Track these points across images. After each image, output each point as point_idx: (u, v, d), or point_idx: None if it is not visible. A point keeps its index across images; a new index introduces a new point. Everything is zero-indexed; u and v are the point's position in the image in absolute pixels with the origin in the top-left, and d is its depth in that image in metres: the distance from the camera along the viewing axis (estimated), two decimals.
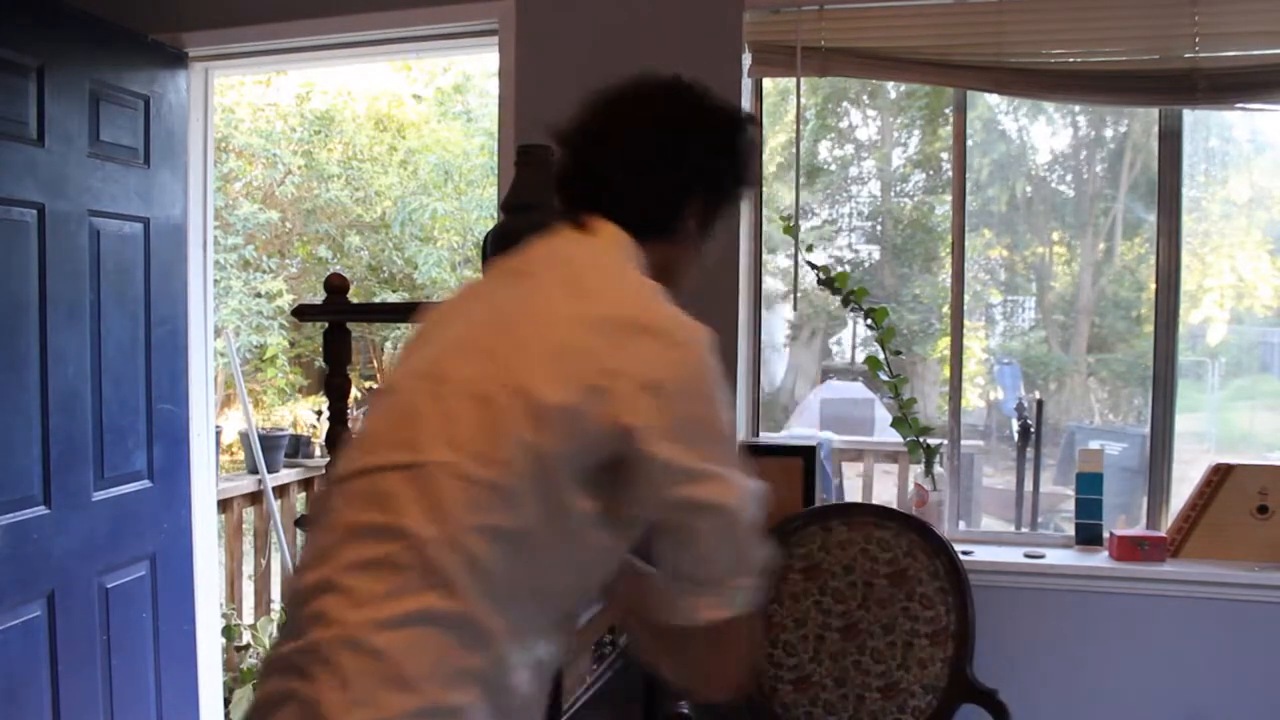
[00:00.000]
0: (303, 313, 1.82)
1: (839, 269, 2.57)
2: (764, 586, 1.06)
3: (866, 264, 7.12)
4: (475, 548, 0.94)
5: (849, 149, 7.43)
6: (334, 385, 1.77)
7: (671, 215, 1.18)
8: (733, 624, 1.04)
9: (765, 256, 2.70)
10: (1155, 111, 2.46)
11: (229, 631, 3.38)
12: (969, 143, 2.56)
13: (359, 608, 0.93)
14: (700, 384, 1.01)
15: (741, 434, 2.54)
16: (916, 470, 2.55)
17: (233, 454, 5.72)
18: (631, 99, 1.19)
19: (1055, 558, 2.39)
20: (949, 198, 2.59)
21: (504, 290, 1.13)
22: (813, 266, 2.55)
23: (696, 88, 1.20)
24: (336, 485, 1.04)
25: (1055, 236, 6.67)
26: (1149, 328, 2.48)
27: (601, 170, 1.18)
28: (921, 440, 2.51)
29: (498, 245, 2.10)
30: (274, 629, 3.58)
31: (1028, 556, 2.40)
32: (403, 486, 0.97)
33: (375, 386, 8.08)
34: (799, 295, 2.59)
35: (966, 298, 2.59)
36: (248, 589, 3.80)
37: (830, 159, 7.35)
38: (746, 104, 2.51)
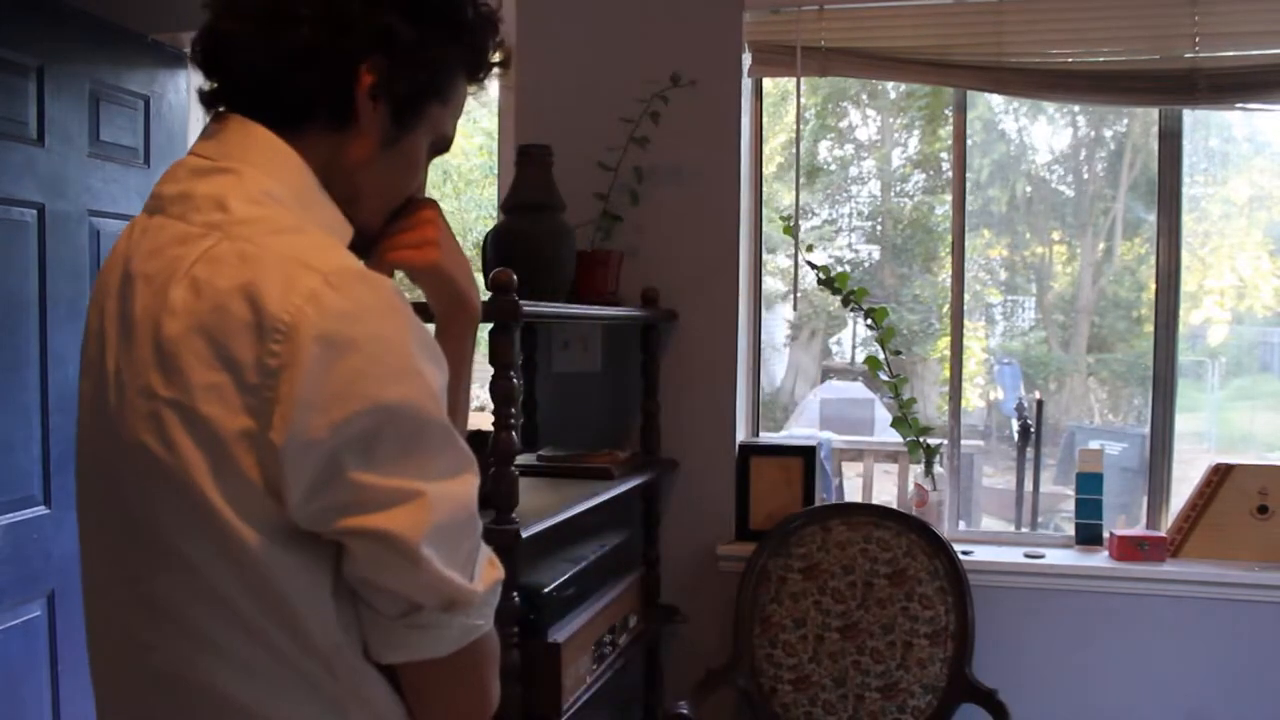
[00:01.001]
0: None
1: (839, 269, 2.57)
2: (485, 611, 0.84)
3: (866, 264, 7.12)
4: None
5: (849, 149, 7.44)
6: None
7: (326, 87, 0.85)
8: (449, 661, 0.83)
9: (765, 256, 2.70)
10: (1155, 111, 2.46)
11: None
12: (969, 143, 2.56)
13: None
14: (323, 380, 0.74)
15: (742, 434, 2.55)
16: (916, 470, 2.55)
17: None
18: None
19: (1055, 558, 2.39)
20: (949, 198, 2.59)
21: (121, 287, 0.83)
22: (813, 266, 2.55)
23: None
24: None
25: (1055, 236, 6.68)
26: (1149, 328, 2.49)
27: (226, 30, 0.86)
28: (921, 440, 2.52)
29: (498, 246, 2.10)
30: None
31: (1028, 556, 2.40)
32: None
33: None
34: (799, 295, 2.59)
35: (966, 298, 2.59)
36: None
37: (830, 159, 7.36)
38: (746, 104, 2.51)
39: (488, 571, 0.84)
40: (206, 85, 0.88)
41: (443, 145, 0.97)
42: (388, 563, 0.77)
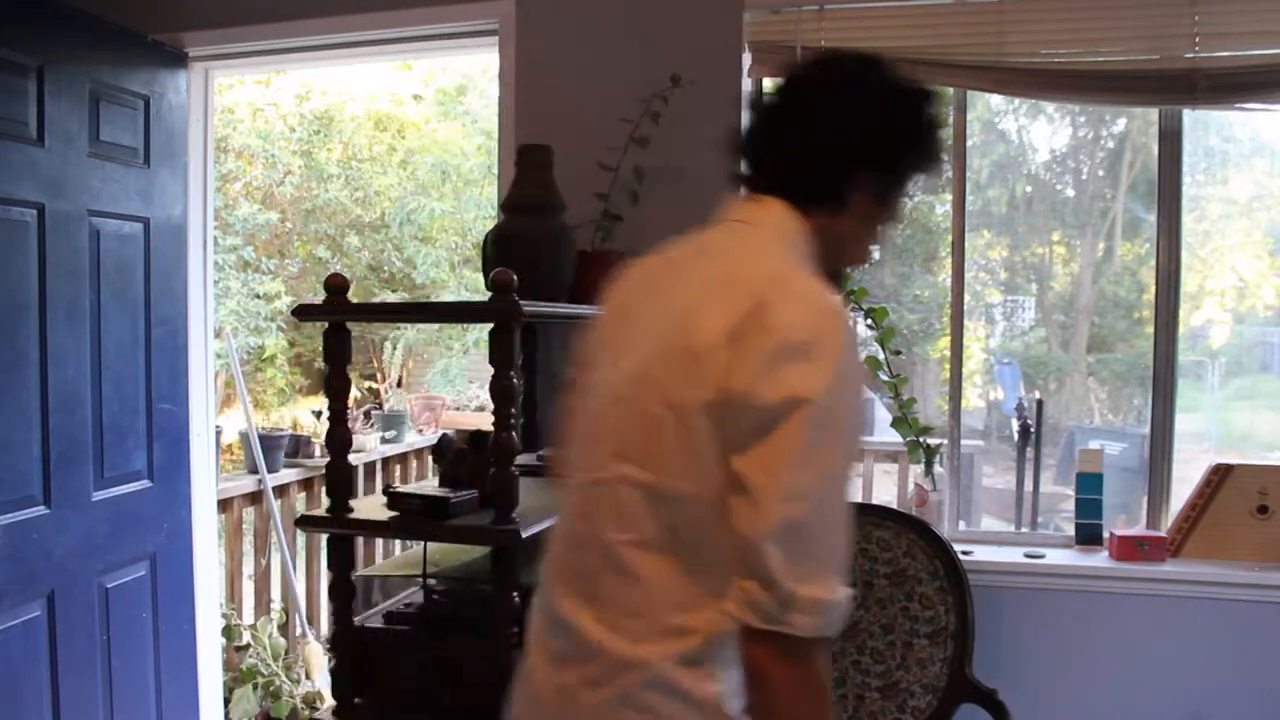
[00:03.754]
0: (303, 313, 1.82)
1: None
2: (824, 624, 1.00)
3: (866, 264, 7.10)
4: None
5: None
6: (334, 385, 1.77)
7: (834, 188, 1.19)
8: (765, 653, 1.01)
9: None
10: (1155, 111, 2.46)
11: (229, 631, 3.38)
12: (969, 143, 2.56)
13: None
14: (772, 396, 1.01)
15: None
16: (916, 470, 2.55)
17: (233, 454, 5.72)
18: (814, 69, 1.24)
19: (1055, 558, 2.39)
20: (949, 197, 2.59)
21: (662, 287, 1.21)
22: None
23: (883, 64, 1.22)
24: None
25: (1055, 236, 6.66)
26: (1149, 328, 2.48)
27: (769, 138, 1.24)
28: (921, 440, 2.51)
29: (498, 246, 2.10)
30: (273, 629, 3.58)
31: (1028, 556, 2.40)
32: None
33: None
34: None
35: (966, 298, 2.59)
36: (248, 589, 3.80)
37: None
38: (746, 104, 2.51)
39: (819, 585, 1.00)
40: (745, 170, 1.25)
41: (896, 219, 1.29)
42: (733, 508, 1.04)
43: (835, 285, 1.23)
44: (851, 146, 1.19)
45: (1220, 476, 2.35)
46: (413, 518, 1.72)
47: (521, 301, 1.63)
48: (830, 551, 1.02)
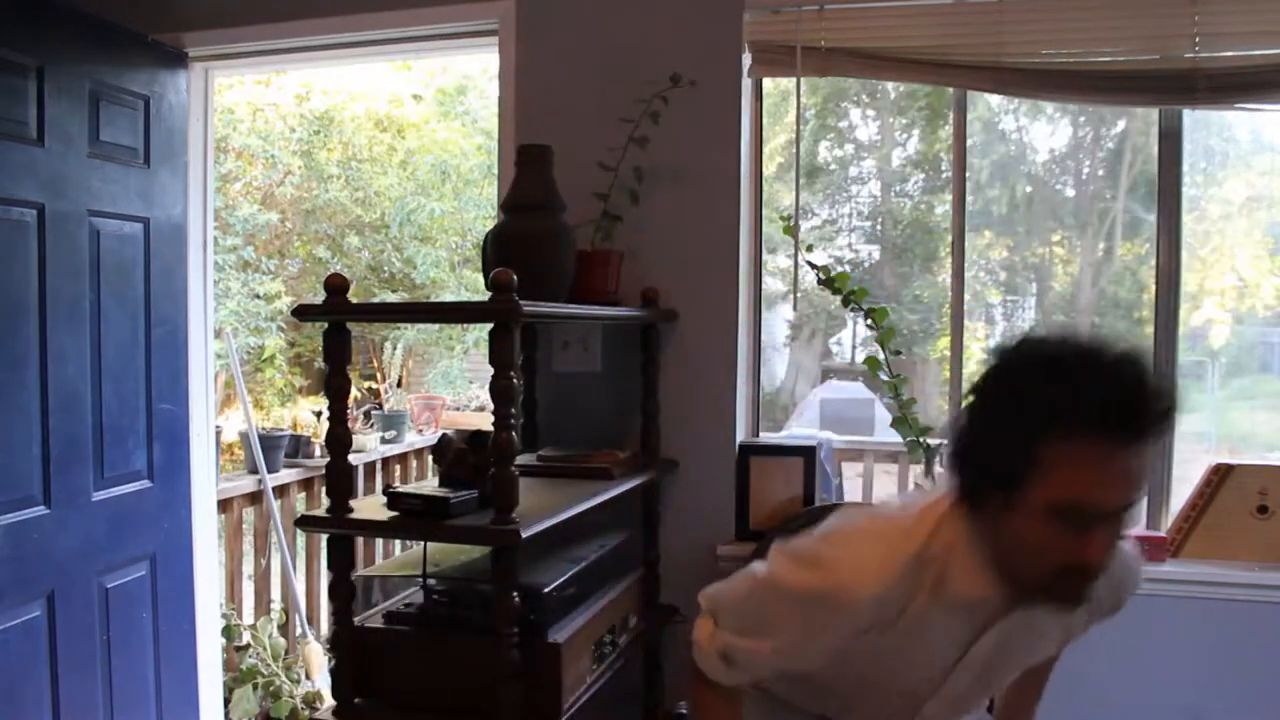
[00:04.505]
0: (303, 313, 1.82)
1: (839, 269, 2.57)
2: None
3: (866, 264, 7.11)
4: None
5: (849, 149, 7.43)
6: (334, 385, 1.77)
7: (971, 488, 1.17)
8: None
9: (765, 256, 2.70)
10: (1155, 111, 2.46)
11: (229, 631, 3.38)
12: (969, 142, 2.56)
13: None
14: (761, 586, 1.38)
15: (742, 434, 2.55)
16: (916, 470, 2.54)
17: (233, 454, 5.72)
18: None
19: None
20: (949, 197, 2.59)
21: None
22: (813, 266, 2.55)
23: (1051, 349, 1.10)
24: None
25: (1055, 237, 6.67)
26: (1149, 328, 2.48)
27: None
28: (921, 440, 2.51)
29: (497, 245, 2.10)
30: (273, 629, 3.58)
31: None
32: None
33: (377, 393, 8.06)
34: (799, 295, 2.59)
35: (966, 298, 2.59)
36: (248, 589, 3.80)
37: (830, 159, 7.35)
38: (746, 104, 2.51)
39: (707, 635, 1.43)
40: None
41: (1076, 513, 1.05)
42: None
43: (1046, 597, 1.17)
44: (963, 449, 1.18)
45: (1220, 476, 2.35)
46: (413, 518, 1.72)
47: (521, 301, 1.63)
48: (728, 619, 1.41)
